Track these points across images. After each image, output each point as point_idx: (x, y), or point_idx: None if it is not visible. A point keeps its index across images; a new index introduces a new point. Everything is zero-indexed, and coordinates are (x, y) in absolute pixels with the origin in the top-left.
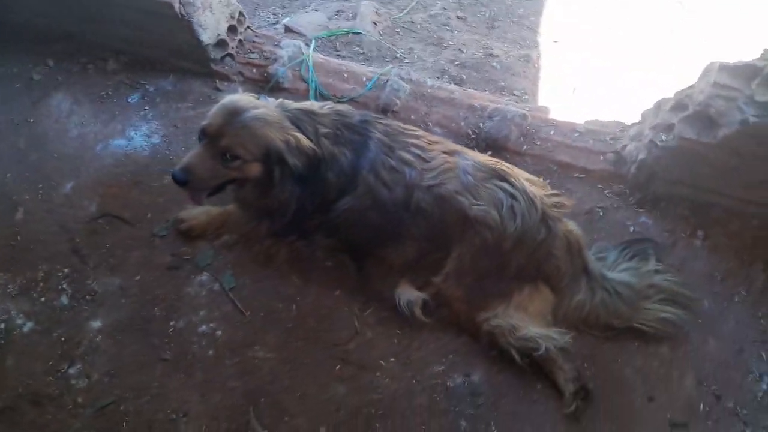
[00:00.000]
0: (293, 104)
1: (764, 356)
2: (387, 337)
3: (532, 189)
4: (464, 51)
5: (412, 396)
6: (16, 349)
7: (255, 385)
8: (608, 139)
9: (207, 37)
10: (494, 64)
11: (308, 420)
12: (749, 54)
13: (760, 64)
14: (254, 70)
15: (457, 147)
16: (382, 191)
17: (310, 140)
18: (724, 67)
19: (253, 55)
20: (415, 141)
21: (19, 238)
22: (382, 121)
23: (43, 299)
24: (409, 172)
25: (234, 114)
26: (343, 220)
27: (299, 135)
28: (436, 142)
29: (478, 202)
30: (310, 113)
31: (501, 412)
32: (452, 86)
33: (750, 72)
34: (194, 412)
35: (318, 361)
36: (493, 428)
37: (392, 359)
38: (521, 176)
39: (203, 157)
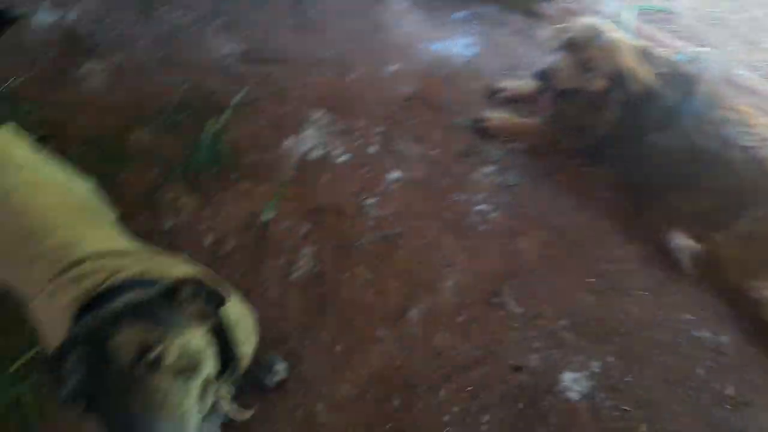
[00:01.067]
0: (634, 40)
1: None
2: (646, 273)
3: None
4: None
5: (656, 330)
6: (331, 171)
7: (513, 267)
8: None
9: None
10: None
11: (553, 309)
12: None
13: None
14: (570, 18)
15: None
16: (697, 138)
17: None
18: None
19: (571, 5)
20: (737, 108)
21: (347, 93)
22: (708, 83)
23: (357, 143)
24: (728, 129)
25: (596, 33)
26: (647, 156)
27: (641, 65)
28: (759, 117)
29: None
30: (648, 51)
31: (743, 379)
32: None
33: None
34: (459, 266)
35: (575, 268)
36: (730, 386)
37: (645, 293)
38: None
39: (565, 64)
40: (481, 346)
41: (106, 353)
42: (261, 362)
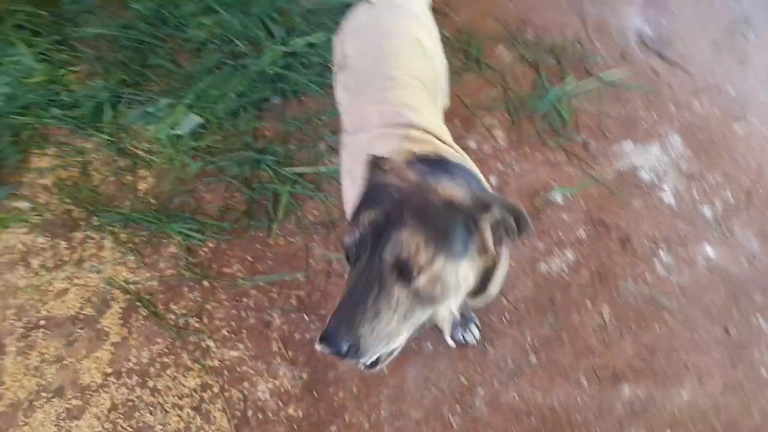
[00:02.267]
0: None
1: None
2: None
3: None
4: None
5: None
6: (647, 201)
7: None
8: None
9: None
10: None
11: None
12: None
13: None
14: None
15: None
16: None
17: None
18: None
19: None
20: None
21: (722, 136)
22: None
23: (695, 192)
24: None
25: None
26: None
27: None
28: None
29: None
30: None
31: None
32: None
33: None
34: (705, 387)
35: None
36: None
37: None
38: None
39: None
40: None
41: (383, 241)
42: (465, 314)
